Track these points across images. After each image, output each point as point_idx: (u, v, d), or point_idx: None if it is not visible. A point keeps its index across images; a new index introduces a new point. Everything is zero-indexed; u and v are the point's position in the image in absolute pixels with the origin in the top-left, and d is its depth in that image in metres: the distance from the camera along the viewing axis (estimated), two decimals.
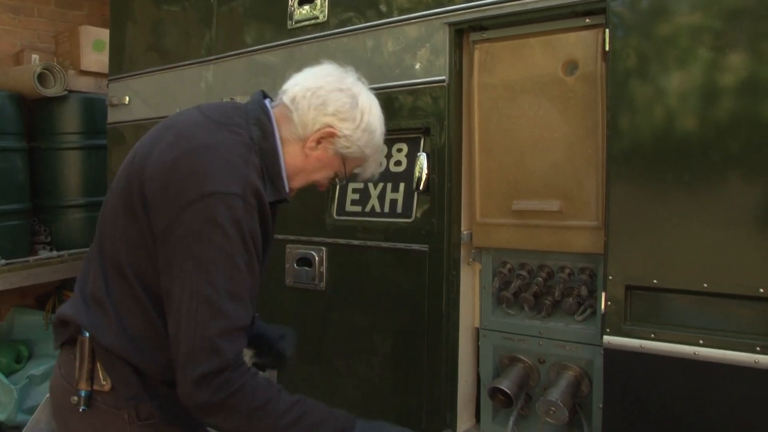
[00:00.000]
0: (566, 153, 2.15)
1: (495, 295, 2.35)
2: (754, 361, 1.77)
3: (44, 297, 5.12)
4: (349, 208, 2.56)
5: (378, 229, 2.47)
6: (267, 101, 1.79)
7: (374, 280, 2.49)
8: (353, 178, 1.96)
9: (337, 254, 2.57)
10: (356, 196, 2.58)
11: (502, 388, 2.21)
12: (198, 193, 1.57)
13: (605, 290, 1.96)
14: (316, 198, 2.63)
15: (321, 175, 1.84)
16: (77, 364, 1.74)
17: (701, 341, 1.83)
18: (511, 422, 2.26)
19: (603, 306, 1.98)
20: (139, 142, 1.78)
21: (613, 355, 1.95)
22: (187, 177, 1.60)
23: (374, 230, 2.48)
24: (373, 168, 1.89)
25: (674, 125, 1.86)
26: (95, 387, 1.72)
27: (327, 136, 1.74)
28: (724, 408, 1.83)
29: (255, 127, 1.73)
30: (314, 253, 2.59)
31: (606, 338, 1.95)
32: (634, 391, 1.94)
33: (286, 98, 1.76)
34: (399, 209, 2.43)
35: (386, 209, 2.46)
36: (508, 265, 2.32)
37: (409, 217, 2.40)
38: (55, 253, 4.80)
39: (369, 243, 2.48)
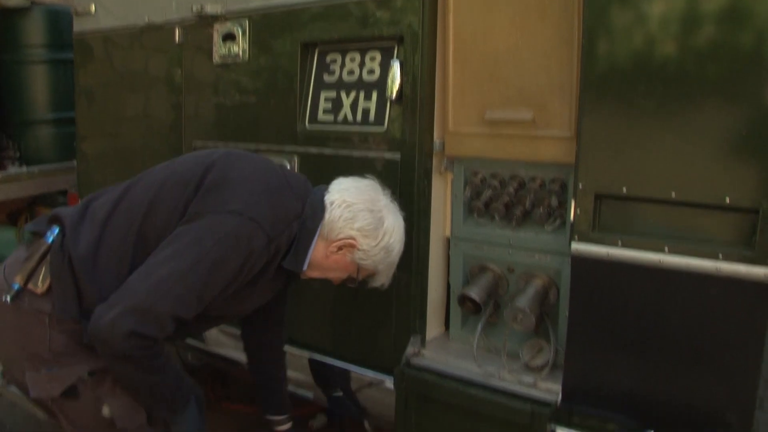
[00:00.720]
0: (541, 62, 2.12)
1: (466, 204, 2.36)
2: (716, 269, 1.80)
3: (16, 213, 5.07)
4: (321, 117, 2.53)
5: (350, 138, 2.44)
6: (326, 196, 2.01)
7: None
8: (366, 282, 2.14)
9: (309, 163, 2.55)
10: (328, 105, 2.54)
11: (471, 295, 2.24)
12: (242, 210, 1.82)
13: (575, 198, 1.97)
14: (287, 106, 2.59)
15: (335, 275, 2.09)
16: (24, 260, 1.87)
17: (666, 249, 1.86)
18: (479, 329, 2.31)
19: (572, 214, 1.99)
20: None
21: (580, 262, 1.98)
22: (245, 193, 1.86)
23: (346, 139, 2.45)
24: (383, 279, 2.12)
25: (652, 49, 1.83)
26: (29, 286, 1.83)
27: (348, 246, 1.98)
28: (685, 314, 1.87)
29: (310, 208, 1.96)
30: (286, 162, 2.57)
31: (574, 245, 1.98)
32: (600, 297, 1.98)
33: (327, 199, 1.99)
34: (371, 118, 2.40)
35: (359, 118, 2.43)
36: (480, 175, 2.32)
37: (382, 125, 2.37)
38: (25, 168, 4.72)
39: (341, 152, 2.46)
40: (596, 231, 1.96)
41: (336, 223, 1.95)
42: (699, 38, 1.76)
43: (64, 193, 4.74)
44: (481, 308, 2.27)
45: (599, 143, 1.92)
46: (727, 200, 1.77)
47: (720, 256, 1.80)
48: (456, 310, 2.45)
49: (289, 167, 2.54)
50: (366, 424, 2.88)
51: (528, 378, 2.20)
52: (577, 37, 2.00)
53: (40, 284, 1.83)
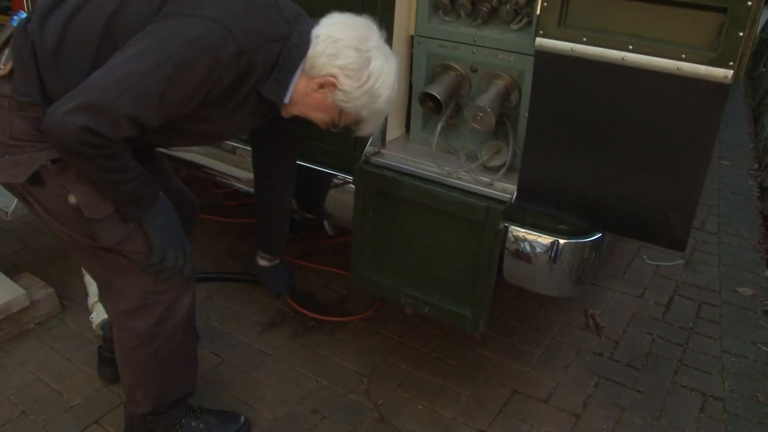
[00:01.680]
0: None
1: (431, 0, 2.27)
2: (677, 68, 1.79)
3: None
4: None
5: None
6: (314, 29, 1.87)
7: None
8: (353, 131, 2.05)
9: None
10: None
11: (433, 93, 2.22)
12: (216, 16, 1.71)
13: None
14: None
15: (317, 116, 1.98)
16: None
17: (630, 47, 1.83)
18: (438, 128, 2.31)
19: (539, 8, 1.92)
20: None
21: (543, 58, 1.94)
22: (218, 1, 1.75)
23: None
24: (369, 129, 2.03)
25: None
26: None
27: (329, 84, 1.86)
28: (643, 112, 1.87)
29: (297, 37, 1.85)
30: None
31: (538, 41, 1.93)
32: (560, 95, 1.96)
33: (314, 32, 1.85)
34: None
35: None
36: None
37: None
38: None
39: None
40: (562, 26, 1.90)
41: (318, 59, 1.84)
42: None
43: None
44: (442, 108, 2.25)
45: None
46: None
47: (683, 56, 1.77)
48: (417, 112, 2.43)
49: None
50: (326, 226, 2.95)
51: (484, 177, 2.24)
52: None
53: (2, 66, 1.77)
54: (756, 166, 5.41)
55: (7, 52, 1.78)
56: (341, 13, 1.91)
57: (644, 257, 3.86)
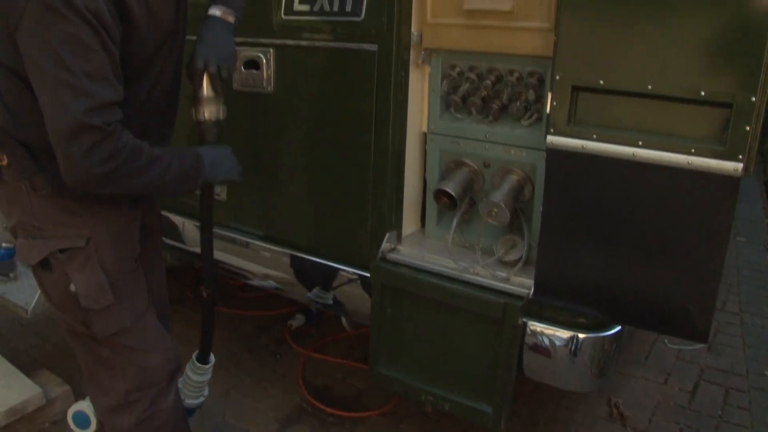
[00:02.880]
0: None
1: (443, 98, 2.33)
2: (687, 162, 1.81)
3: None
4: (297, 6, 2.44)
5: (326, 29, 2.37)
6: None
7: (323, 82, 2.44)
8: None
9: (285, 57, 2.49)
10: None
11: (447, 189, 2.24)
12: None
13: (552, 91, 1.95)
14: None
15: None
16: None
17: (640, 142, 1.86)
18: (453, 224, 2.32)
19: (549, 107, 1.97)
20: None
21: (555, 155, 1.97)
22: None
23: (323, 30, 2.38)
24: None
25: None
26: None
27: None
28: (656, 207, 1.89)
29: None
30: (261, 56, 2.51)
31: (549, 138, 1.96)
32: (573, 191, 1.98)
33: None
34: (348, 8, 2.32)
35: (335, 8, 2.34)
36: (458, 68, 2.28)
37: (359, 15, 2.30)
38: None
39: (317, 44, 2.39)
40: (572, 124, 1.94)
41: None
42: None
43: None
44: (456, 203, 2.27)
45: (578, 34, 1.88)
46: (702, 93, 1.76)
47: (692, 150, 1.80)
48: (432, 207, 2.46)
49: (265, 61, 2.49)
50: (344, 321, 2.94)
51: (501, 272, 2.23)
52: None
53: (2, 157, 1.84)
54: None
55: None
56: None
57: (665, 341, 3.80)
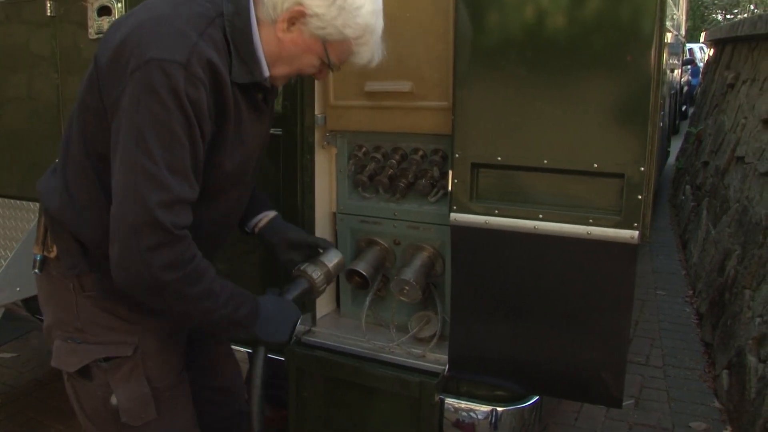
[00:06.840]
0: (417, 33, 2.11)
1: (351, 178, 2.34)
2: (586, 233, 1.86)
3: None
4: None
5: None
6: None
7: None
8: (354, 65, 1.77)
9: None
10: None
11: (359, 270, 2.24)
12: (140, 61, 1.47)
13: (452, 168, 1.99)
14: None
15: (303, 63, 1.70)
16: (38, 228, 1.76)
17: (541, 215, 1.90)
18: (366, 303, 2.31)
19: (450, 184, 2.00)
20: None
21: (459, 231, 2.00)
22: (135, 47, 1.50)
23: None
24: (368, 54, 1.72)
25: (521, 19, 1.87)
26: (45, 253, 1.73)
27: (297, 15, 1.60)
28: (560, 278, 1.92)
29: (228, 3, 1.61)
30: None
31: (453, 215, 1.99)
32: (479, 266, 2.01)
33: None
34: None
35: None
36: (363, 149, 2.30)
37: None
38: None
39: None
40: (474, 200, 1.98)
41: None
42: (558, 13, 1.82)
43: None
44: (369, 283, 2.26)
45: (474, 113, 1.94)
46: (595, 166, 1.83)
47: (590, 221, 1.85)
48: (346, 286, 2.44)
49: None
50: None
51: (416, 350, 2.22)
52: (452, 7, 2.00)
53: (52, 249, 1.71)
54: (690, 292, 5.54)
55: (48, 234, 1.73)
56: None
57: None
